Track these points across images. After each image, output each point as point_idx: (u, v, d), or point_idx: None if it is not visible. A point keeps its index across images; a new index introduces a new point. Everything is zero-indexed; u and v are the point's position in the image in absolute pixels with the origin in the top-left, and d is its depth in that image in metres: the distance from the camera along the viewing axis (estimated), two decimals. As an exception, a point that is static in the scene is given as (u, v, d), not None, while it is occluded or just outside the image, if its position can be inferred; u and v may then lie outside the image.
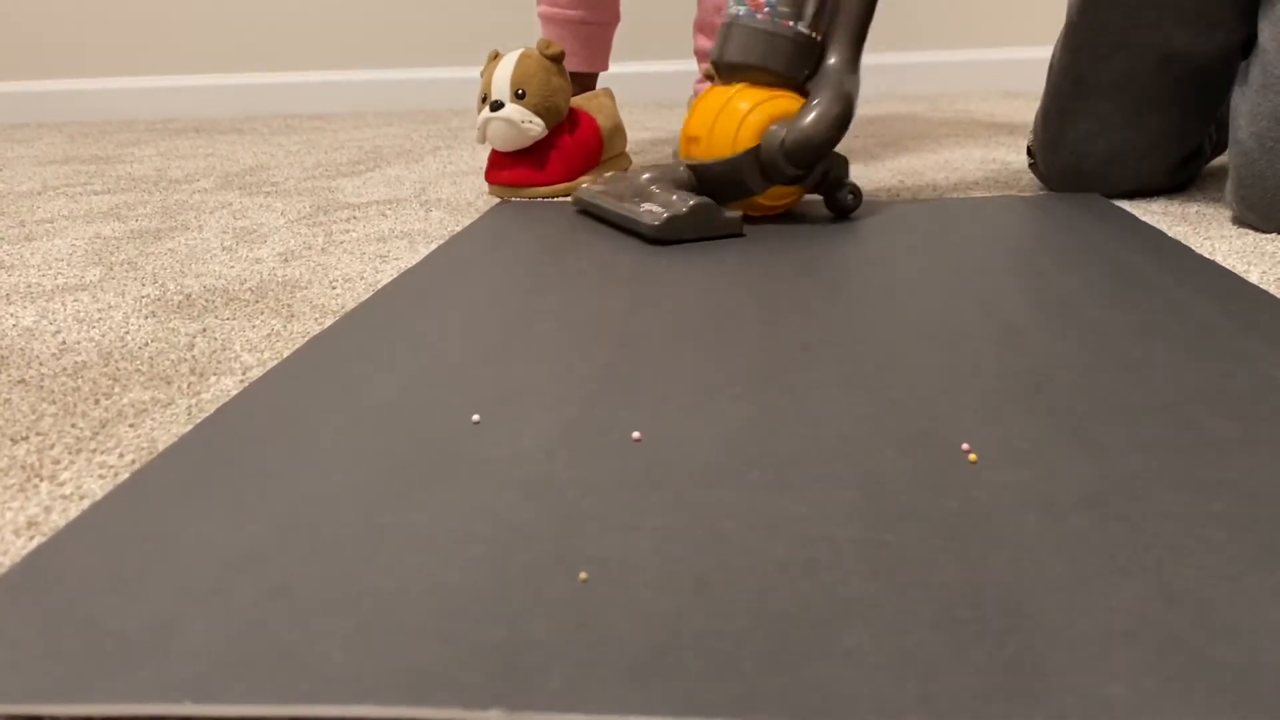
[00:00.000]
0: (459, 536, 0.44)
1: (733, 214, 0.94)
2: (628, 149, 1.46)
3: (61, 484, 0.52)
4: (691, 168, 0.96)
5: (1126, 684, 0.33)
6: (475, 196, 1.23)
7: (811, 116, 0.93)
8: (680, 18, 1.97)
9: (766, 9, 0.97)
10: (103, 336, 0.75)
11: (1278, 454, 0.48)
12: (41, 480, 0.52)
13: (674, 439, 0.52)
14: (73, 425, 0.59)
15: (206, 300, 0.83)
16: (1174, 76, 1.01)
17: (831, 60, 0.97)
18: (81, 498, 0.50)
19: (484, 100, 1.18)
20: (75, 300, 0.84)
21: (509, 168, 1.18)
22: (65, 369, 0.68)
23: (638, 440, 0.52)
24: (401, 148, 1.65)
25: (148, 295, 0.85)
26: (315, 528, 0.45)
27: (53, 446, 0.56)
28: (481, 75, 1.21)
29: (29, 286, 0.89)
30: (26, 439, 0.58)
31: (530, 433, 0.54)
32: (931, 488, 0.46)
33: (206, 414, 0.60)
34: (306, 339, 0.72)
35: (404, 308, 0.76)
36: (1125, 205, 1.03)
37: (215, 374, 0.66)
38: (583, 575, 0.40)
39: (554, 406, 0.57)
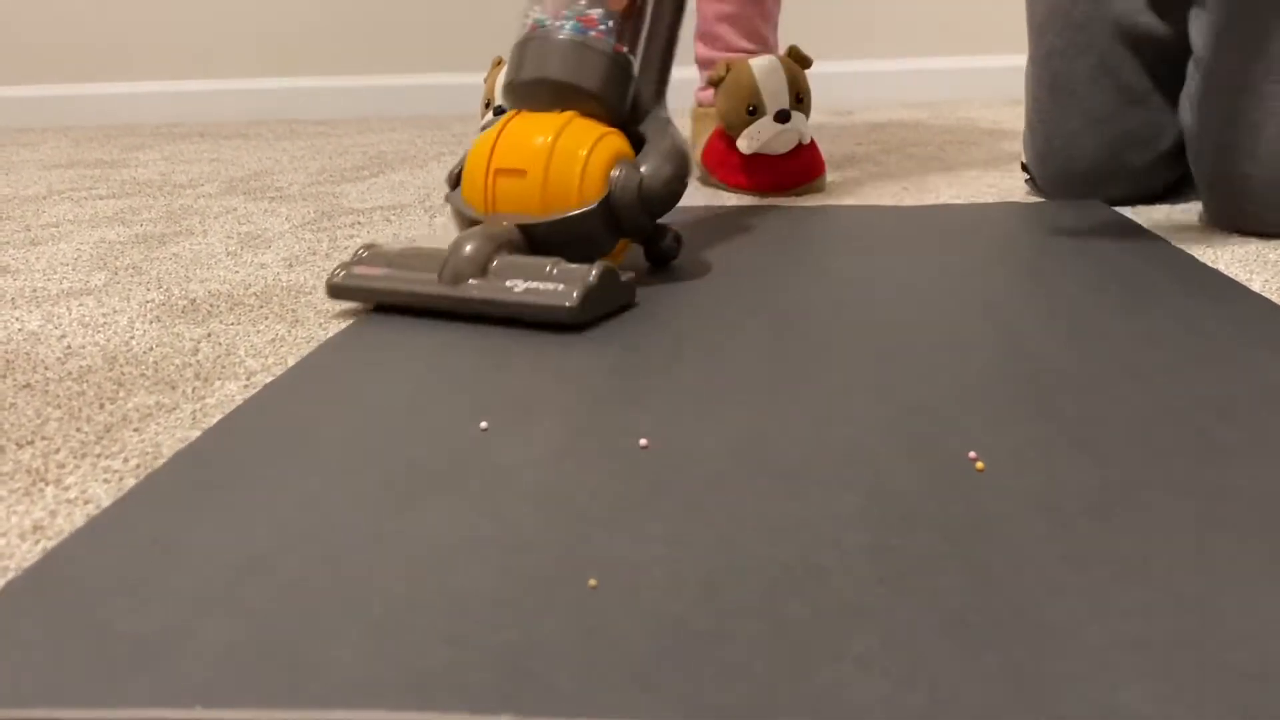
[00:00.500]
0: (467, 541, 0.44)
1: (627, 276, 0.75)
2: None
3: (67, 488, 0.52)
4: (526, 229, 0.76)
5: (1137, 691, 0.33)
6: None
7: (667, 159, 0.79)
8: (685, 26, 1.98)
9: (586, 18, 0.81)
10: (108, 341, 0.75)
11: (1285, 461, 0.48)
12: (47, 484, 0.52)
13: (681, 445, 0.52)
14: (78, 430, 0.59)
15: (211, 305, 0.83)
16: (1148, 62, 1.01)
17: (644, 89, 0.84)
18: (86, 502, 0.50)
19: (487, 105, 1.18)
20: (80, 305, 0.84)
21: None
22: (70, 373, 0.68)
23: (645, 447, 0.52)
24: (405, 153, 1.65)
25: (152, 300, 0.85)
26: (324, 533, 0.45)
27: (58, 451, 0.56)
28: (485, 81, 1.21)
29: (34, 291, 0.89)
30: (32, 443, 0.57)
31: (538, 439, 0.54)
32: (939, 494, 0.46)
33: (211, 419, 0.60)
34: (311, 344, 0.72)
35: (412, 315, 0.76)
36: (1127, 212, 1.03)
37: (220, 379, 0.66)
38: (592, 581, 0.40)
39: (561, 413, 0.57)
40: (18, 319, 0.81)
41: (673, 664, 0.35)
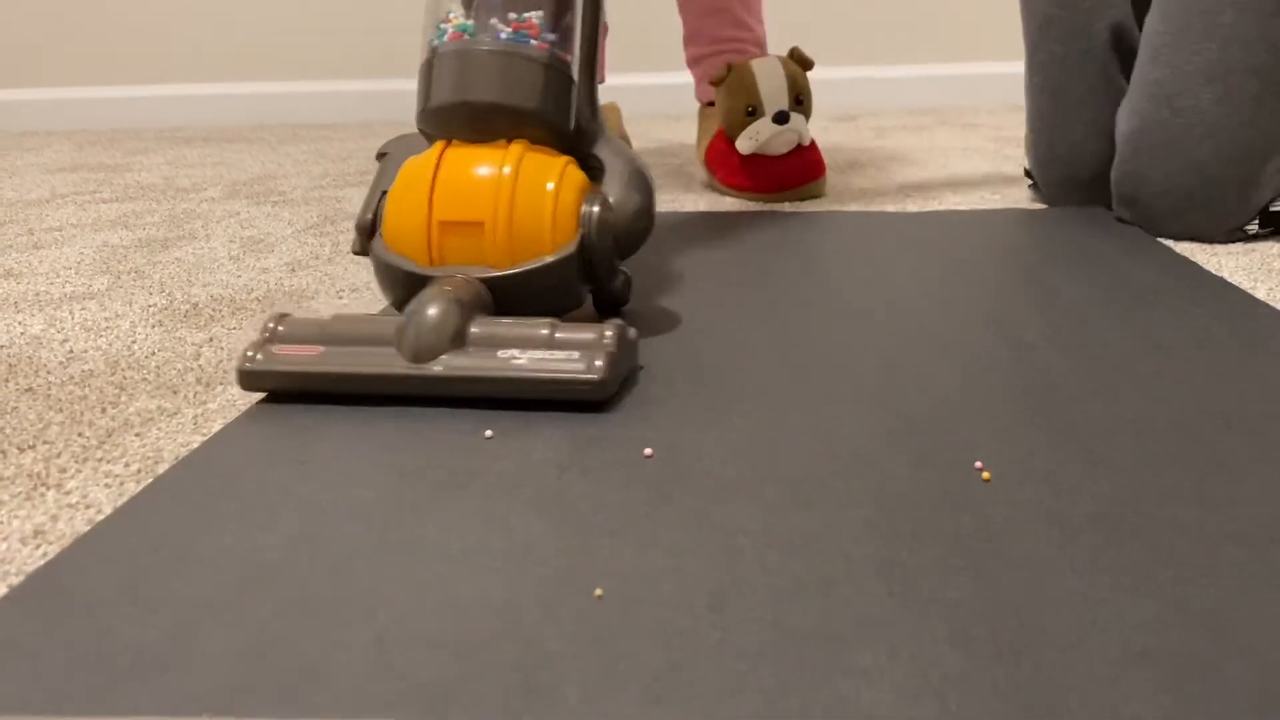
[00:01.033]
0: (473, 551, 0.43)
1: (633, 334, 0.62)
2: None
3: (68, 493, 0.52)
4: (491, 281, 0.64)
5: (1144, 704, 0.33)
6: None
7: (633, 186, 0.68)
8: (673, 33, 1.98)
9: (526, 24, 0.68)
10: (110, 345, 0.74)
11: (1294, 472, 0.48)
12: (48, 489, 0.52)
13: (687, 455, 0.52)
14: (79, 434, 0.59)
15: (213, 310, 0.83)
16: None
17: (582, 102, 0.70)
18: (88, 506, 0.50)
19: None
20: (83, 309, 0.84)
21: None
22: (72, 377, 0.68)
23: (649, 456, 0.52)
24: (408, 158, 1.65)
25: (155, 304, 0.85)
26: (329, 542, 0.44)
27: (59, 455, 0.56)
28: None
29: (37, 295, 0.89)
30: (33, 447, 0.57)
31: (542, 448, 0.53)
32: (945, 505, 0.46)
33: (213, 424, 0.59)
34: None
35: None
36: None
37: (222, 384, 0.66)
38: (598, 591, 0.40)
39: (565, 423, 0.57)
40: (20, 322, 0.81)
41: (680, 675, 0.35)
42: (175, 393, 0.65)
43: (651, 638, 0.37)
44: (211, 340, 0.75)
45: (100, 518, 0.49)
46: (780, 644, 0.36)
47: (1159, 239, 0.94)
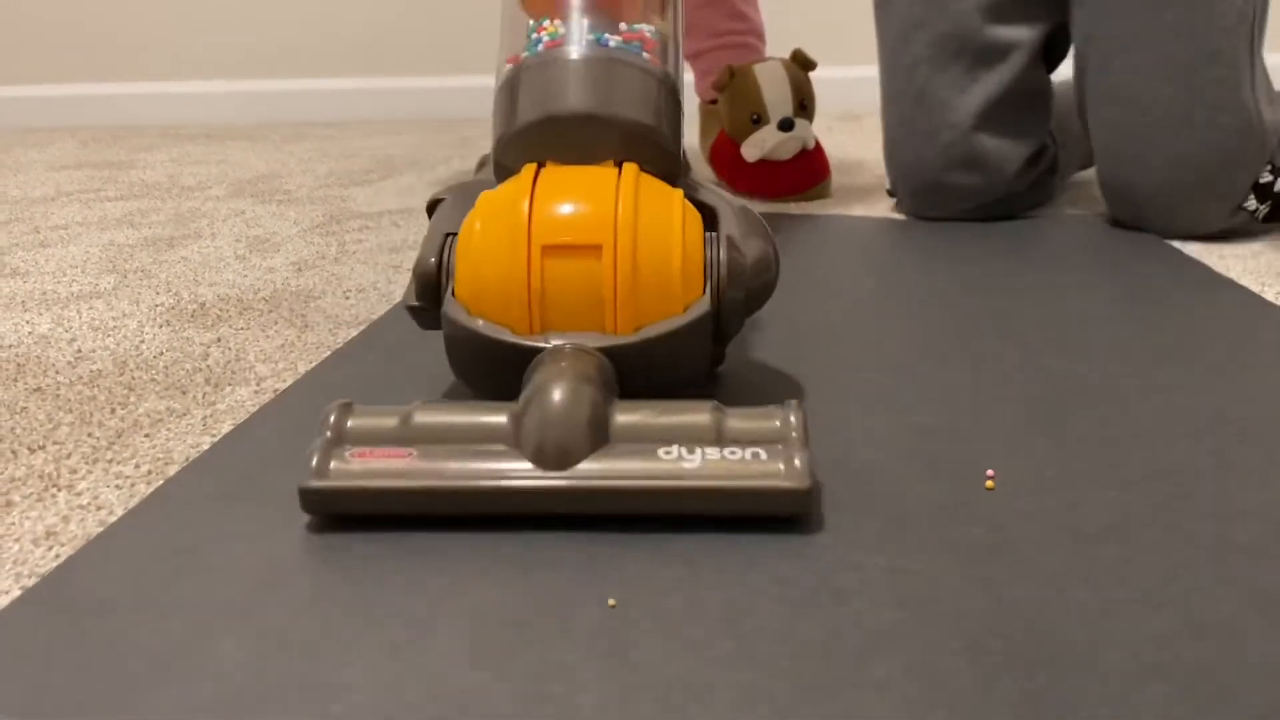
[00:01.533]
0: (487, 560, 0.43)
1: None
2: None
3: (79, 494, 0.52)
4: (613, 351, 0.51)
5: (1156, 717, 0.33)
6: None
7: (757, 237, 0.55)
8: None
9: (637, 34, 0.58)
10: (118, 345, 0.74)
11: (1304, 483, 0.48)
12: (59, 490, 0.52)
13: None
14: (89, 435, 0.59)
15: (220, 310, 0.83)
16: (1015, 72, 1.00)
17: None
18: (99, 508, 0.50)
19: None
20: (90, 308, 0.84)
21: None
22: (81, 377, 0.68)
23: None
24: (413, 157, 1.65)
25: (162, 304, 0.85)
26: (343, 548, 0.44)
27: (69, 456, 0.56)
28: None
29: (44, 294, 0.89)
30: (44, 448, 0.57)
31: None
32: (957, 515, 0.46)
33: (222, 425, 0.59)
34: (321, 350, 0.72)
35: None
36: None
37: (230, 384, 0.66)
38: (611, 601, 0.40)
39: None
40: (28, 322, 0.81)
41: (693, 690, 0.35)
42: (184, 393, 0.65)
43: (665, 649, 0.37)
44: (219, 340, 0.75)
45: (112, 519, 0.49)
46: (793, 655, 0.36)
47: (1165, 240, 0.94)
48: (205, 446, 0.56)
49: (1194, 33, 0.90)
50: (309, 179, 1.45)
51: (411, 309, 0.56)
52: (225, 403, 0.63)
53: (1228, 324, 0.71)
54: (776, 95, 1.15)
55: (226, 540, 0.45)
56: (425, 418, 0.47)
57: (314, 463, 0.45)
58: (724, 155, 1.22)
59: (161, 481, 0.52)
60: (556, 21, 0.58)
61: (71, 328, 0.79)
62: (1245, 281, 0.82)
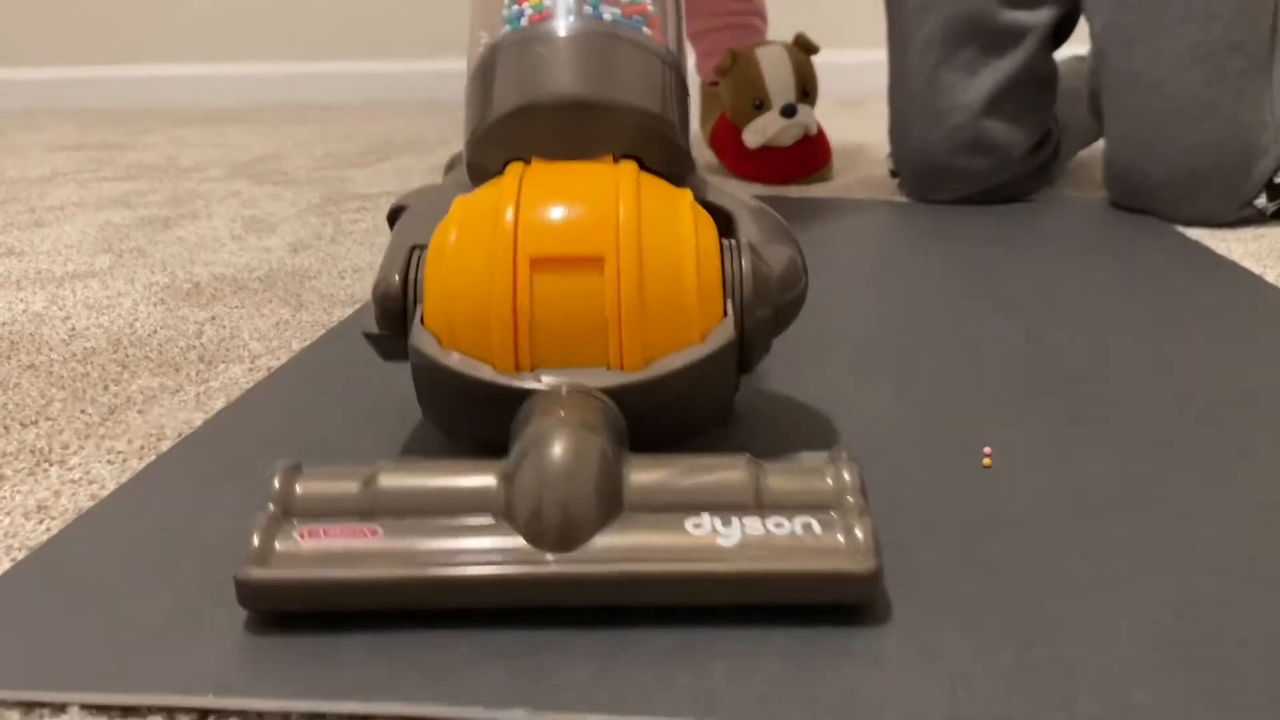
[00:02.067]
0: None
1: None
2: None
3: (71, 469, 0.51)
4: (619, 391, 0.42)
5: (1154, 691, 0.33)
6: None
7: (780, 242, 0.48)
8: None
9: (634, 6, 0.49)
10: (112, 323, 0.74)
11: (1304, 460, 0.48)
12: (51, 465, 0.52)
13: (692, 441, 0.52)
14: (82, 411, 0.59)
15: (215, 289, 0.82)
16: (1028, 53, 1.00)
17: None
18: (90, 482, 0.50)
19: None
20: (85, 287, 0.84)
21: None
22: (75, 355, 0.68)
23: None
24: (412, 139, 1.64)
25: (157, 283, 0.84)
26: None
27: (62, 432, 0.56)
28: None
29: (39, 273, 0.88)
30: (36, 424, 0.57)
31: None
32: (955, 490, 0.46)
33: (215, 402, 0.59)
34: (315, 329, 0.71)
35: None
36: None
37: (224, 362, 0.66)
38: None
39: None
40: (22, 300, 0.80)
41: (686, 661, 0.35)
42: (177, 370, 0.64)
43: (658, 622, 0.37)
44: (214, 319, 0.75)
45: (103, 494, 0.48)
46: (787, 629, 0.36)
47: (1170, 225, 0.94)
48: (198, 423, 0.56)
49: (1219, 21, 0.89)
50: (307, 161, 1.44)
51: (370, 337, 0.46)
52: (219, 380, 0.63)
53: (1228, 304, 0.70)
54: (779, 81, 1.14)
55: (218, 515, 0.45)
56: (392, 481, 0.38)
57: (254, 543, 0.36)
58: (725, 139, 1.21)
59: (154, 457, 0.52)
60: None
61: (66, 306, 0.79)
62: (1246, 264, 0.82)
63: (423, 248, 0.46)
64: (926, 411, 0.54)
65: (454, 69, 2.29)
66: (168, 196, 1.21)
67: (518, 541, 0.36)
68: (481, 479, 0.38)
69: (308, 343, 0.68)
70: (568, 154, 0.47)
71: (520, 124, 0.47)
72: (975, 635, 0.36)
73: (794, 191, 1.15)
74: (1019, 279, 0.77)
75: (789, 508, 0.37)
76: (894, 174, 1.10)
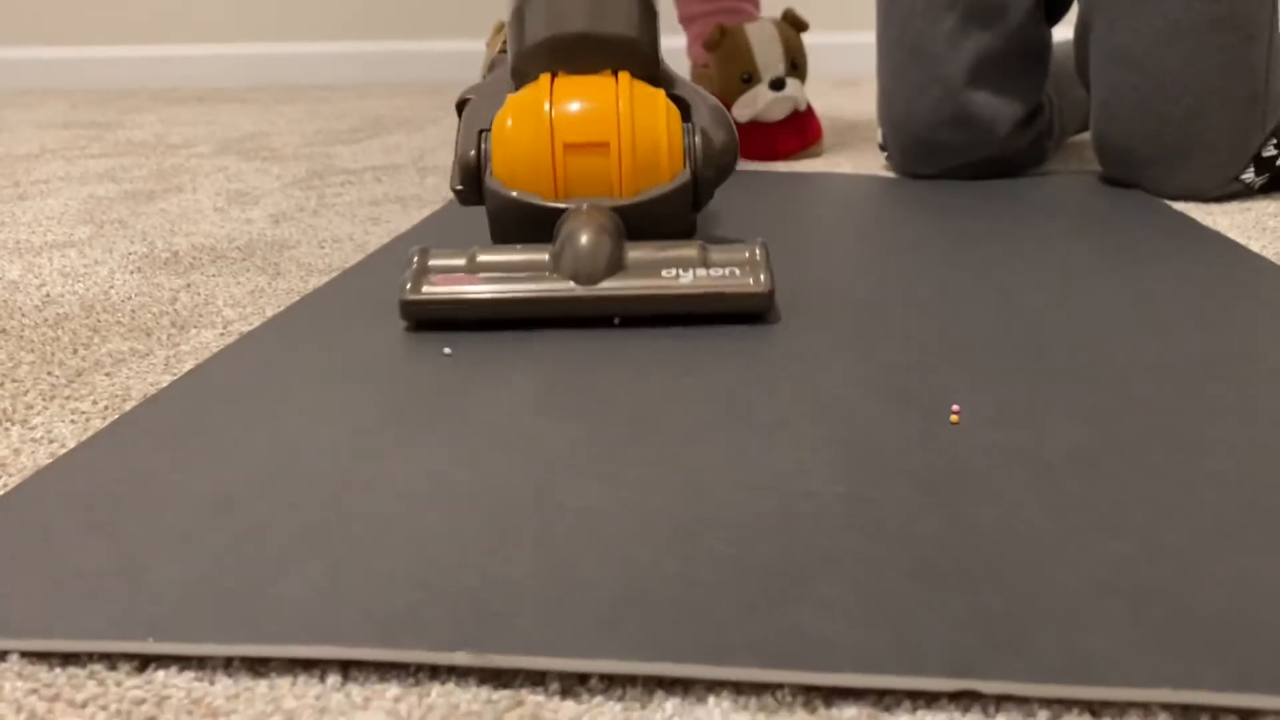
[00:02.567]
0: (437, 485, 0.43)
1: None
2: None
3: (33, 428, 0.51)
4: (620, 209, 0.66)
5: (1107, 637, 0.32)
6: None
7: (720, 122, 0.72)
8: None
9: None
10: (86, 290, 0.74)
11: (1274, 415, 0.47)
12: (13, 424, 0.52)
13: (661, 396, 0.51)
14: (49, 373, 0.58)
15: (194, 258, 0.82)
16: (1009, 28, 0.99)
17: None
18: (51, 441, 0.49)
19: (491, 68, 1.16)
20: (63, 256, 0.83)
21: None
22: (46, 320, 0.67)
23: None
24: (402, 117, 1.64)
25: (135, 252, 0.84)
26: (291, 475, 0.44)
27: (27, 393, 0.55)
28: (487, 46, 1.19)
29: (18, 243, 0.88)
30: (1, 385, 0.57)
31: (514, 386, 0.53)
32: (919, 446, 0.45)
33: (184, 365, 0.59)
34: (291, 296, 0.71)
35: (394, 271, 0.75)
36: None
37: (196, 327, 0.65)
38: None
39: (538, 363, 0.56)
40: (-2, 269, 0.80)
41: (634, 606, 0.34)
42: (149, 335, 0.64)
43: (609, 568, 0.36)
44: (189, 286, 0.74)
45: (63, 452, 0.48)
46: (740, 576, 0.36)
47: (1157, 198, 0.93)
48: (166, 385, 0.56)
49: None
50: (295, 137, 1.44)
51: (456, 191, 0.71)
52: (189, 344, 0.62)
53: (1209, 271, 0.70)
54: (768, 54, 1.13)
55: (176, 470, 0.44)
56: (486, 255, 0.63)
57: (409, 285, 0.61)
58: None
59: (117, 417, 0.51)
60: None
61: (41, 274, 0.78)
62: (1232, 235, 0.81)
63: (487, 130, 0.71)
64: (898, 371, 0.53)
65: (447, 50, 2.28)
66: (153, 171, 1.20)
67: (565, 283, 0.61)
68: (539, 254, 0.63)
69: (281, 309, 0.67)
70: (580, 69, 0.71)
71: (548, 48, 0.71)
72: (927, 581, 0.35)
73: (781, 165, 1.14)
74: (1002, 248, 0.77)
75: (722, 265, 0.63)
76: (883, 148, 1.09)
